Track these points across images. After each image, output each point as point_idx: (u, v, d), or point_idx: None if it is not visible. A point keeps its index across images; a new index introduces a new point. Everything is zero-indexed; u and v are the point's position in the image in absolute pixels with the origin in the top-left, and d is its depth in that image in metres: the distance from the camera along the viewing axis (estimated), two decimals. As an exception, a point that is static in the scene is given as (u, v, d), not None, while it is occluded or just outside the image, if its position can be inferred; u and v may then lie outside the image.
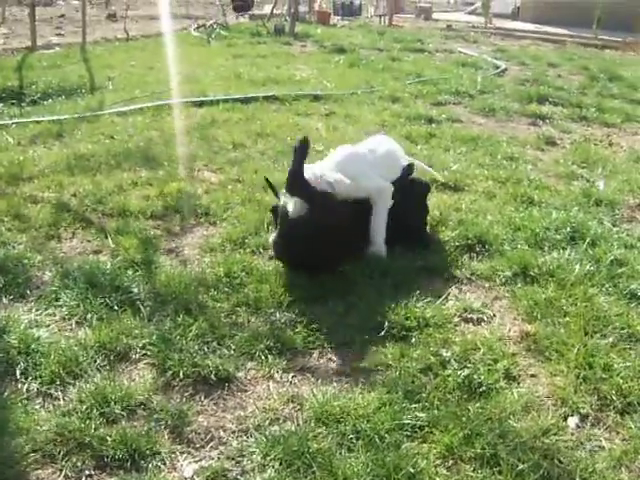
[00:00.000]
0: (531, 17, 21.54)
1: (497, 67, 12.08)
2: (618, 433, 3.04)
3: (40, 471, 2.73)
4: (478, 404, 3.09)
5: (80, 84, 9.45)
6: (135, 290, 3.95)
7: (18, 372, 3.24)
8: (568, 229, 4.87)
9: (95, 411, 2.99)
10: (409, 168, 4.85)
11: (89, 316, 3.70)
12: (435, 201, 5.26)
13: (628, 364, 3.44)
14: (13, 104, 8.38)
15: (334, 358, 3.51)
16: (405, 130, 7.54)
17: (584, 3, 18.32)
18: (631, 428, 3.05)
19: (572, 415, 3.12)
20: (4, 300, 3.88)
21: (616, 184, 6.09)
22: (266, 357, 3.45)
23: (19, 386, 3.17)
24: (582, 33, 17.82)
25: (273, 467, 2.75)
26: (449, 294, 4.13)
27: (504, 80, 11.04)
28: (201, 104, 8.38)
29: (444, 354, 3.45)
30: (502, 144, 7.21)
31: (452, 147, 6.99)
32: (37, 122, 7.37)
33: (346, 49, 13.62)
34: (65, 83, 9.30)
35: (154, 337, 3.51)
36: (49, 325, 3.66)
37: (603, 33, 17.25)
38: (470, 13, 25.54)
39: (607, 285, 4.23)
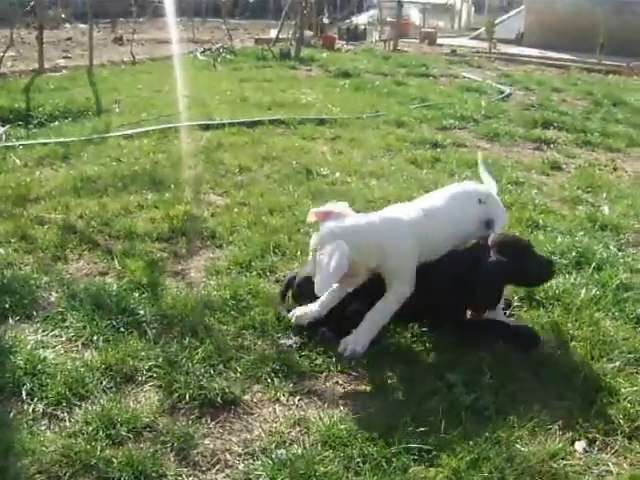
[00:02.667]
0: (535, 42, 21.63)
1: (501, 92, 12.14)
2: (626, 458, 3.03)
3: (46, 493, 2.73)
4: (485, 428, 3.08)
5: (87, 106, 9.49)
6: (141, 312, 3.95)
7: (24, 393, 3.23)
8: (574, 253, 4.87)
9: (101, 433, 2.98)
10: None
11: (95, 338, 3.70)
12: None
13: (635, 388, 3.44)
14: (20, 126, 8.41)
15: (340, 381, 3.50)
16: (410, 154, 7.57)
17: (587, 29, 18.42)
18: (639, 453, 3.04)
19: (579, 439, 3.11)
20: (10, 321, 3.88)
21: (621, 209, 6.10)
22: (272, 380, 3.44)
23: (25, 407, 3.16)
24: (586, 58, 17.90)
25: (280, 490, 2.74)
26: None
27: (509, 105, 11.08)
28: (207, 127, 8.42)
29: (450, 377, 3.44)
30: (507, 169, 7.23)
31: (457, 172, 7.00)
32: (44, 144, 7.41)
33: (351, 73, 13.68)
34: (72, 105, 9.34)
35: (160, 359, 3.51)
36: (55, 346, 3.66)
37: (607, 58, 17.33)
38: (474, 38, 25.64)
39: (613, 309, 4.23)
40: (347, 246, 3.55)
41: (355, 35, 23.20)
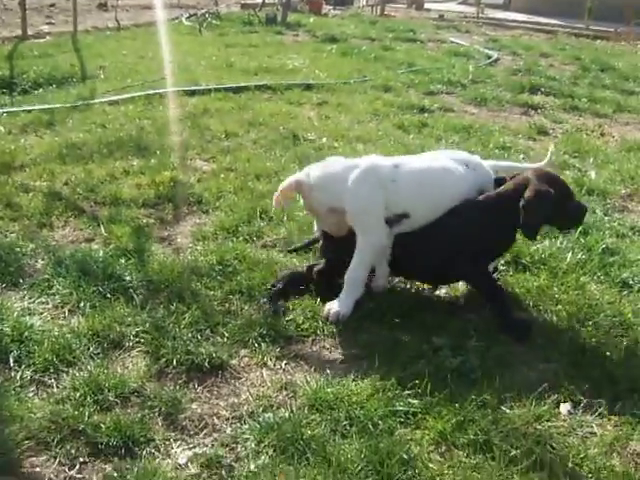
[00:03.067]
0: (523, 7, 21.52)
1: (489, 57, 12.08)
2: (609, 419, 3.06)
3: (34, 458, 2.73)
4: (471, 391, 3.10)
5: (71, 73, 9.39)
6: (128, 278, 3.95)
7: (11, 360, 3.23)
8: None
9: (89, 398, 2.99)
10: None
11: (82, 304, 3.70)
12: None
13: (619, 351, 3.47)
14: (4, 93, 8.31)
15: (327, 345, 3.52)
16: (397, 119, 7.54)
17: (575, -7, 18.33)
18: (622, 415, 3.08)
19: (564, 402, 3.14)
20: (-3, 288, 3.88)
21: (608, 174, 6.11)
22: (259, 345, 3.45)
23: (12, 374, 3.16)
24: (574, 23, 17.83)
25: (267, 453, 2.76)
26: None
27: (496, 70, 11.04)
28: (193, 93, 8.35)
29: (436, 341, 3.46)
30: (494, 133, 7.22)
31: (444, 137, 6.99)
32: (28, 111, 7.33)
33: (338, 38, 13.58)
34: (56, 72, 9.23)
35: (147, 325, 3.51)
36: (42, 313, 3.65)
37: (594, 23, 17.27)
38: (462, 3, 25.49)
39: (599, 273, 4.25)
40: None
41: (342, 0, 23.00)
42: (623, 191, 5.74)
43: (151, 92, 8.20)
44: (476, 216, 3.78)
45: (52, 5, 18.35)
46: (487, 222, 3.75)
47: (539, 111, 8.56)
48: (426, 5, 23.75)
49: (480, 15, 20.23)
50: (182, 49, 11.38)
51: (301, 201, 4.10)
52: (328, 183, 3.86)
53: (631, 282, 4.18)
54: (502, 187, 3.87)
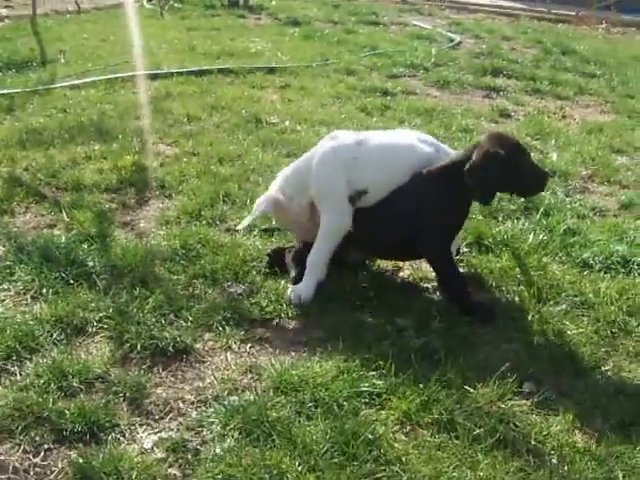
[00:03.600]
0: (485, -10, 21.54)
1: (451, 40, 12.09)
2: (572, 397, 3.10)
3: (-2, 446, 2.72)
4: (435, 371, 3.12)
5: (31, 57, 9.24)
6: (90, 264, 3.92)
7: (-27, 348, 3.20)
8: (522, 199, 4.91)
9: (53, 385, 2.97)
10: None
11: (44, 290, 3.67)
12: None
13: (581, 330, 3.53)
14: (-39, 77, 8.19)
15: (291, 328, 3.53)
16: (360, 102, 7.54)
17: (537, -24, 18.40)
18: (584, 392, 3.12)
19: (527, 380, 3.17)
20: (-43, 275, 3.83)
21: (569, 155, 6.17)
22: (224, 328, 3.45)
23: (-25, 362, 3.13)
24: (535, 7, 17.91)
25: (232, 437, 2.76)
26: (404, 263, 4.15)
27: (459, 53, 11.05)
28: (155, 77, 8.28)
29: (400, 322, 3.49)
30: (457, 116, 7.25)
31: (407, 119, 7.00)
32: (-13, 96, 7.23)
33: (301, 22, 13.51)
34: (15, 56, 9.09)
35: (111, 310, 3.50)
36: (4, 300, 3.62)
37: (556, 7, 17.35)
38: (425, -14, 25.46)
39: (560, 254, 4.30)
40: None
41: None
42: (584, 172, 5.80)
43: (112, 76, 8.11)
44: (429, 187, 3.73)
45: (10, -12, 18.06)
46: (440, 193, 3.71)
47: (501, 94, 8.59)
48: (389, -12, 23.70)
49: (443, -2, 20.23)
50: (144, 33, 11.23)
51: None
52: (295, 179, 3.95)
53: (592, 262, 4.23)
54: (454, 154, 3.85)
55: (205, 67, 8.80)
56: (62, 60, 9.28)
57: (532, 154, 5.93)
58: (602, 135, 6.91)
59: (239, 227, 4.16)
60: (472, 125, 6.93)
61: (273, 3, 15.98)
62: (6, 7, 14.49)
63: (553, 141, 6.61)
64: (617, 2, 17.06)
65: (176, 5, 15.25)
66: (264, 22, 13.73)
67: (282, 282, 3.86)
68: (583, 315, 3.69)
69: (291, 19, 13.66)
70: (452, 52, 11.02)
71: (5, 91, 7.41)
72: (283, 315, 3.60)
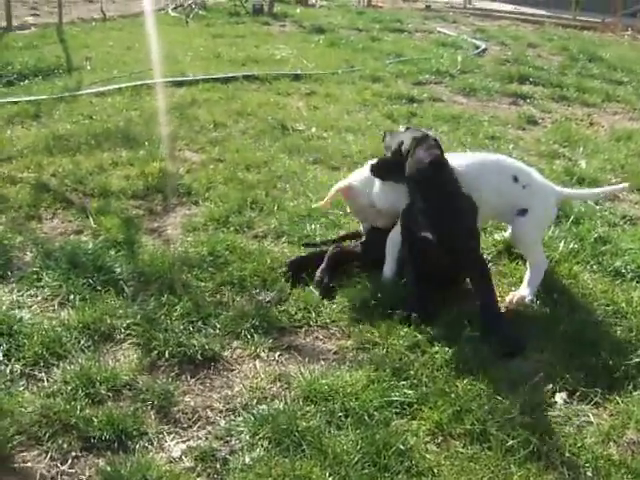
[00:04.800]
0: (510, -3, 21.48)
1: (477, 47, 12.04)
2: (605, 408, 3.06)
3: (25, 453, 2.70)
4: (467, 381, 3.08)
5: (57, 64, 9.29)
6: (118, 270, 3.91)
7: (1, 354, 3.19)
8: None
9: (80, 392, 2.96)
10: None
11: (72, 297, 3.66)
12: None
13: (614, 340, 3.46)
14: (-11, 85, 8.24)
15: (320, 336, 3.50)
16: (386, 109, 7.51)
17: (563, -16, 18.32)
18: (618, 403, 3.07)
19: (560, 391, 3.13)
20: (-15, 282, 3.83)
21: (598, 163, 6.10)
22: (252, 336, 3.43)
23: (2, 368, 3.12)
24: (561, 14, 17.82)
25: (262, 446, 2.73)
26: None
27: (484, 60, 11.01)
28: (181, 84, 8.29)
29: (431, 331, 3.44)
30: (484, 123, 7.21)
31: (434, 126, 6.96)
32: (14, 103, 7.26)
33: (325, 29, 13.51)
34: (42, 64, 9.14)
35: (138, 317, 3.48)
36: (31, 306, 3.61)
37: (582, 14, 17.26)
38: (448, -6, 25.44)
39: (591, 262, 4.25)
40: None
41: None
42: (613, 180, 5.72)
43: (138, 83, 8.13)
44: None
45: (37, -4, 18.21)
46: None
47: (528, 101, 8.54)
48: (413, -5, 23.69)
49: (467, 5, 20.18)
50: (169, 40, 11.29)
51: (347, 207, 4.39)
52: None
53: (623, 271, 4.17)
54: None
55: (230, 74, 8.80)
56: (88, 67, 9.32)
57: (559, 161, 5.93)
58: (631, 142, 6.84)
59: (314, 205, 4.51)
60: (499, 133, 6.89)
61: (297, 11, 16.02)
62: (32, 15, 14.62)
63: (581, 148, 6.54)
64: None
65: (201, 13, 15.33)
66: (289, 29, 13.75)
67: (309, 289, 3.82)
68: (616, 325, 3.63)
69: (316, 26, 13.66)
70: (478, 59, 10.97)
71: (32, 98, 7.44)
72: (312, 323, 3.57)
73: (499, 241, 4.38)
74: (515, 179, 3.95)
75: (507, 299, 3.76)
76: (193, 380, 3.15)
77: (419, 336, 3.39)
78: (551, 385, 3.14)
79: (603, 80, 9.90)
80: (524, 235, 3.96)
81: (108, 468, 2.60)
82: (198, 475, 2.64)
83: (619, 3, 16.33)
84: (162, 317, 3.49)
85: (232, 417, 2.92)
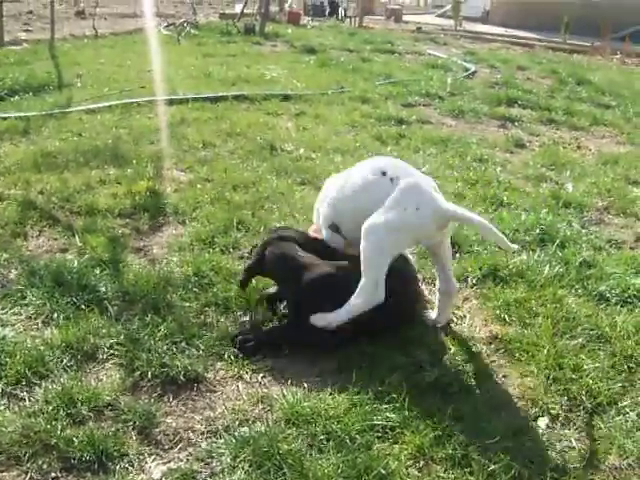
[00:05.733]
0: (500, 21, 21.70)
1: (467, 70, 12.14)
2: (588, 433, 3.05)
3: (5, 473, 2.68)
4: (449, 405, 3.08)
5: (48, 81, 9.33)
6: (102, 289, 3.90)
7: (-18, 372, 3.17)
8: (537, 231, 4.90)
9: (62, 412, 2.94)
10: None
11: (55, 315, 3.65)
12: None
13: (597, 365, 3.46)
14: (-21, 100, 8.24)
15: (303, 359, 3.48)
16: (375, 131, 7.54)
17: (553, 8, 18.48)
18: (600, 428, 3.06)
19: (542, 416, 3.12)
20: (-32, 299, 3.81)
21: (584, 187, 6.13)
22: (235, 357, 3.41)
23: (-16, 386, 3.10)
24: (551, 37, 17.97)
25: (243, 468, 2.72)
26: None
27: (474, 82, 11.09)
28: (171, 102, 8.32)
29: (415, 355, 3.44)
30: (472, 146, 7.24)
31: (422, 148, 7.00)
32: (3, 119, 7.27)
33: (316, 49, 13.61)
34: (33, 80, 9.17)
35: (122, 337, 3.46)
36: (14, 324, 3.60)
37: (571, 38, 17.41)
38: (440, 16, 25.64)
39: (576, 286, 4.25)
40: None
41: (321, 11, 23.04)
42: (600, 204, 5.76)
43: (128, 101, 8.16)
44: None
45: (30, 12, 18.28)
46: None
47: (516, 124, 8.60)
48: (404, 17, 23.87)
49: (458, 28, 20.34)
50: (160, 58, 11.33)
51: None
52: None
53: (608, 295, 4.18)
54: None
55: (221, 93, 8.86)
56: (79, 84, 9.36)
57: (545, 185, 5.96)
58: (618, 166, 6.88)
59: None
60: (487, 155, 6.92)
61: (289, 31, 16.13)
62: (25, 31, 14.66)
63: (568, 172, 6.58)
64: (632, 33, 17.11)
65: (192, 31, 15.41)
66: (280, 49, 13.83)
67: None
68: (599, 349, 3.63)
69: (307, 47, 13.76)
70: (467, 82, 11.06)
71: (22, 114, 7.45)
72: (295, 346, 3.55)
73: (484, 264, 4.38)
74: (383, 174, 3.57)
75: None
76: (175, 401, 3.13)
77: (402, 359, 3.38)
78: (534, 409, 3.14)
79: (591, 104, 9.99)
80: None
81: (88, 489, 2.59)
82: (178, 497, 2.62)
83: (608, 27, 16.47)
84: (146, 337, 3.47)
85: (213, 439, 2.91)
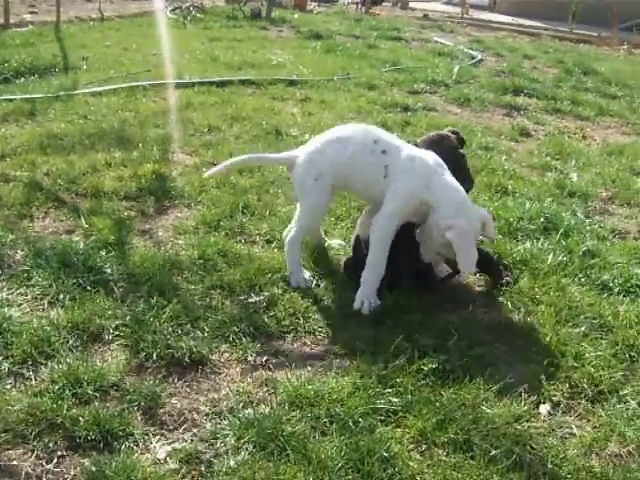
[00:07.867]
0: (507, 9, 21.60)
1: (473, 57, 12.10)
2: (589, 421, 3.08)
3: (11, 451, 2.70)
4: (452, 390, 3.10)
5: (54, 63, 9.32)
6: (108, 271, 3.92)
7: (-11, 351, 3.20)
8: (542, 219, 4.91)
9: (67, 391, 2.96)
10: None
11: (61, 296, 3.67)
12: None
13: (599, 353, 3.48)
14: (-16, 82, 8.24)
15: (308, 342, 3.51)
16: (381, 117, 7.53)
17: (560, -3, 18.43)
18: (601, 416, 3.09)
19: (544, 402, 3.15)
20: (-25, 279, 3.83)
21: (589, 176, 6.14)
22: (240, 340, 3.44)
23: (-10, 365, 3.13)
24: (558, 27, 17.91)
25: (247, 450, 2.74)
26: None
27: (480, 71, 11.06)
28: (176, 86, 8.31)
29: (418, 340, 3.46)
30: (477, 134, 7.23)
31: (427, 136, 6.98)
32: (9, 100, 7.27)
33: (323, 35, 13.56)
34: (38, 62, 9.16)
35: (127, 318, 3.49)
36: (21, 305, 3.62)
37: (578, 27, 17.35)
38: (447, 3, 25.54)
39: (579, 275, 4.26)
40: None
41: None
42: (604, 194, 5.77)
43: (134, 84, 8.15)
44: None
45: (35, -6, 18.20)
46: None
47: (522, 112, 8.58)
48: (411, 4, 23.79)
49: (465, 16, 20.28)
50: (166, 42, 11.31)
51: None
52: None
53: (611, 284, 4.19)
54: None
55: (226, 78, 8.83)
56: (84, 67, 9.35)
57: (550, 174, 5.97)
58: (623, 157, 6.87)
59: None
60: (492, 143, 6.91)
61: (295, 16, 16.07)
62: (31, 13, 14.63)
63: (573, 161, 6.58)
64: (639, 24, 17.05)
65: (199, 15, 15.37)
66: (286, 35, 13.80)
67: (299, 295, 3.85)
68: (602, 338, 3.65)
69: (313, 32, 13.71)
70: (473, 69, 11.02)
71: (27, 96, 7.45)
72: (300, 329, 3.58)
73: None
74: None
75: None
76: (180, 382, 3.16)
77: (406, 344, 3.40)
78: (535, 396, 3.16)
79: (597, 94, 9.96)
80: None
81: (93, 468, 2.61)
82: (182, 477, 2.64)
83: (615, 17, 16.41)
84: (151, 319, 3.49)
85: (218, 420, 2.93)
